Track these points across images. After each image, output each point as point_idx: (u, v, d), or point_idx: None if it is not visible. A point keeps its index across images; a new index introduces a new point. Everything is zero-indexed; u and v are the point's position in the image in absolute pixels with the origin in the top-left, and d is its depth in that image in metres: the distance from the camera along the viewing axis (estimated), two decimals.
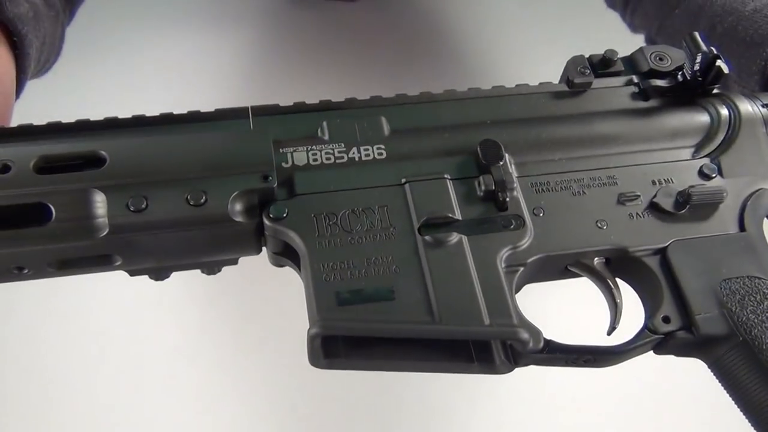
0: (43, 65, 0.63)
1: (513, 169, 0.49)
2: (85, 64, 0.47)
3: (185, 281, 0.65)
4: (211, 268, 0.50)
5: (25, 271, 0.46)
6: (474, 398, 0.65)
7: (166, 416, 0.64)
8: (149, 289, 0.65)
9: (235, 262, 0.50)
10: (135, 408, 0.65)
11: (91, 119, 0.50)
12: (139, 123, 0.49)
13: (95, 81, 0.87)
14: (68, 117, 0.49)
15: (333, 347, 0.44)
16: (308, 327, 0.43)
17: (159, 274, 0.50)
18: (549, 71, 0.59)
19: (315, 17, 0.55)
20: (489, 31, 0.68)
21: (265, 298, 0.68)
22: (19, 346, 0.67)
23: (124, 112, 0.50)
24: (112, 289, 0.68)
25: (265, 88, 0.84)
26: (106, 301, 0.68)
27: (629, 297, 0.50)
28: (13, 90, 0.55)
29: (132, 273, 0.49)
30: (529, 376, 0.62)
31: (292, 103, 0.52)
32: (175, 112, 0.51)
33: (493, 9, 0.53)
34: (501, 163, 0.48)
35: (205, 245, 0.47)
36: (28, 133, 0.48)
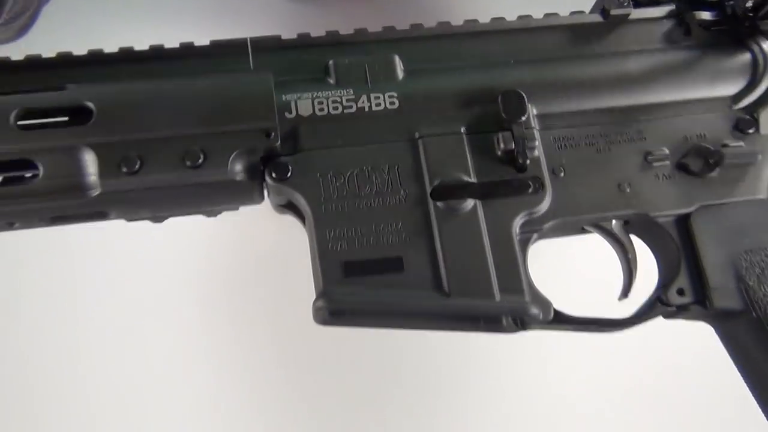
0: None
1: (535, 123, 0.46)
2: None
3: (184, 281, 0.66)
4: (210, 214, 0.48)
5: (15, 224, 0.43)
6: (475, 372, 0.67)
7: (166, 416, 0.66)
8: (148, 291, 0.67)
9: (236, 208, 0.48)
10: (134, 408, 0.66)
11: (74, 53, 0.45)
12: (127, 59, 0.45)
13: None
14: None
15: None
16: (314, 297, 0.42)
17: (156, 220, 0.47)
18: None
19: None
20: None
21: (263, 300, 0.69)
22: (19, 347, 0.67)
23: None
24: (110, 290, 0.69)
25: None
26: (105, 302, 0.68)
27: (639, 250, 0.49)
28: None
29: (128, 220, 0.47)
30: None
31: (295, 36, 0.47)
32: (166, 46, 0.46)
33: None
34: (524, 118, 0.44)
35: (204, 200, 0.45)
36: (4, 68, 0.44)
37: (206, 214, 0.48)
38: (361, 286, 0.41)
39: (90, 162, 0.41)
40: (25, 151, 0.40)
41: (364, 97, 0.45)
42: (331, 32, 0.47)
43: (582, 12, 0.50)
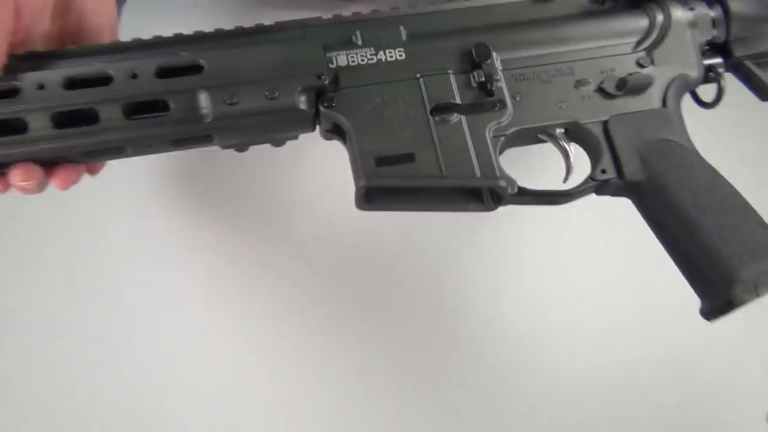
0: None
1: (499, 65, 0.67)
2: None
3: (184, 281, 0.77)
4: (278, 143, 0.69)
5: (151, 147, 0.64)
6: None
7: (166, 417, 0.72)
8: (147, 291, 0.77)
9: (296, 137, 0.69)
10: (135, 409, 0.72)
11: (185, 33, 0.66)
12: (221, 36, 0.66)
13: None
14: None
15: (372, 196, 0.63)
16: (356, 182, 0.62)
17: (241, 148, 0.68)
18: None
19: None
20: None
21: (270, 296, 0.78)
22: (20, 347, 0.74)
23: None
24: (110, 289, 0.77)
25: None
26: (105, 301, 0.76)
27: (581, 159, 0.70)
28: (115, 9, 0.70)
29: (223, 147, 0.67)
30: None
31: (332, 16, 0.69)
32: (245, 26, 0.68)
33: None
34: (489, 61, 0.65)
35: (277, 126, 0.66)
36: (138, 45, 0.65)
37: (275, 143, 0.69)
38: (388, 171, 0.62)
39: (203, 99, 0.62)
40: (162, 92, 0.61)
41: (381, 52, 0.66)
42: (356, 13, 0.69)
43: None
